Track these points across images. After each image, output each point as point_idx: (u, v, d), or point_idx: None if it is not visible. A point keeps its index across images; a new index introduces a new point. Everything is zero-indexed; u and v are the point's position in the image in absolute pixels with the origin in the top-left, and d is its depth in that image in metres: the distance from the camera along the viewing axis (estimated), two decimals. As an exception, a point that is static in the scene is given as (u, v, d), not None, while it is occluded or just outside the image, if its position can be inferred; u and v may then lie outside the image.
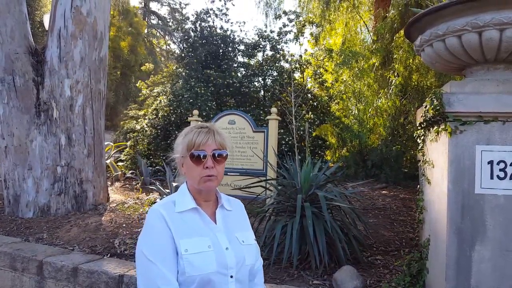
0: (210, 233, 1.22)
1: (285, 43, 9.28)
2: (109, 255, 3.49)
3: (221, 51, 9.31)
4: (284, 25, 9.31)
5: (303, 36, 9.43)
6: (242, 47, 9.51)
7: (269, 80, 9.10)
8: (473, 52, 2.25)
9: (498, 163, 2.10)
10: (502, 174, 2.10)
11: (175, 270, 1.15)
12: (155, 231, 1.18)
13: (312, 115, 7.95)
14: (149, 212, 1.23)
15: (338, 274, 2.78)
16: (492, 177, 2.11)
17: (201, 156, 1.21)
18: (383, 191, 5.97)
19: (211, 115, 7.36)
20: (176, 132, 7.46)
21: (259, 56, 9.53)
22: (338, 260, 3.09)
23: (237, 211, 1.37)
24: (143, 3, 24.01)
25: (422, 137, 2.73)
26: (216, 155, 1.23)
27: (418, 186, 3.02)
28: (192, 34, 9.43)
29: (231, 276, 1.19)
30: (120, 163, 8.87)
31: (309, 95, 8.31)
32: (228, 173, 5.53)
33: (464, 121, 2.16)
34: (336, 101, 8.35)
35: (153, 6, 25.20)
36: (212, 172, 1.21)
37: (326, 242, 3.07)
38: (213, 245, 1.19)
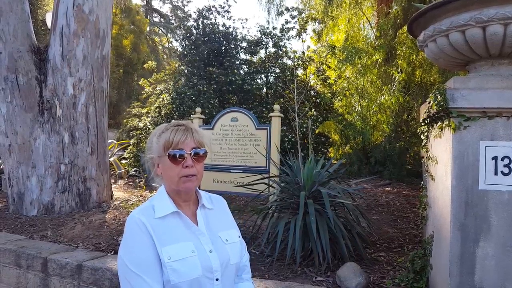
0: (192, 236, 1.19)
1: (288, 39, 9.25)
2: (113, 252, 3.51)
3: (223, 48, 9.29)
4: (287, 22, 9.28)
5: (305, 32, 9.40)
6: (244, 44, 9.50)
7: (272, 77, 9.08)
8: (477, 47, 2.23)
9: (502, 159, 2.09)
10: (506, 170, 2.08)
11: (160, 279, 1.11)
12: (136, 241, 1.13)
13: (315, 112, 7.93)
14: (128, 219, 1.17)
15: (342, 270, 2.78)
16: (496, 173, 2.09)
17: (180, 156, 1.16)
18: (387, 188, 5.95)
19: (214, 113, 7.36)
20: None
21: (262, 53, 9.52)
22: (342, 256, 3.09)
23: (219, 208, 1.34)
24: (145, 1, 24.00)
25: (426, 133, 2.72)
26: (196, 154, 1.18)
27: (422, 182, 3.00)
28: (194, 31, 9.42)
29: (217, 279, 1.16)
30: (123, 161, 8.90)
31: (312, 92, 8.29)
32: (231, 171, 5.54)
33: (468, 117, 2.14)
34: (339, 98, 8.32)
35: (155, 3, 25.30)
36: (192, 172, 1.17)
37: (329, 239, 3.07)
38: (196, 249, 1.16)
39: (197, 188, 1.29)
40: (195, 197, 1.29)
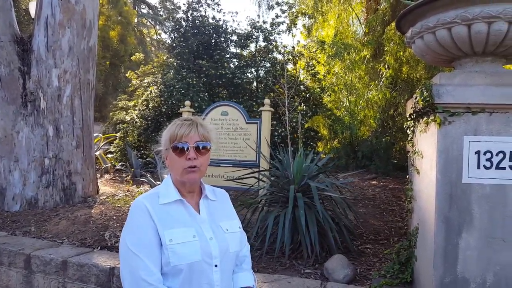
0: (194, 223, 1.25)
1: (278, 34, 9.23)
2: (99, 247, 3.48)
3: (213, 41, 9.21)
4: (277, 16, 9.25)
5: (295, 27, 9.39)
6: (234, 38, 9.43)
7: (262, 72, 9.06)
8: (462, 44, 2.27)
9: (484, 153, 2.15)
10: (488, 164, 2.14)
11: (159, 262, 1.17)
12: (139, 223, 1.20)
13: (304, 107, 7.96)
14: (133, 204, 1.24)
15: (329, 262, 2.83)
16: (479, 167, 2.15)
17: (183, 148, 1.23)
18: (373, 182, 6.05)
19: (204, 106, 7.31)
20: (167, 124, 7.38)
21: (252, 47, 9.47)
22: (329, 249, 3.14)
23: (222, 200, 1.41)
24: (132, -8, 23.53)
25: (412, 128, 2.77)
26: (199, 147, 1.25)
27: (407, 176, 3.06)
28: (183, 23, 9.30)
29: (216, 266, 1.22)
30: (109, 155, 8.79)
31: (301, 86, 8.31)
32: (221, 165, 5.53)
33: (453, 112, 2.19)
34: (328, 93, 8.37)
35: (143, -5, 24.72)
36: (195, 163, 1.23)
37: (318, 231, 3.11)
38: (198, 235, 1.21)
39: (202, 181, 1.36)
40: (199, 189, 1.36)
